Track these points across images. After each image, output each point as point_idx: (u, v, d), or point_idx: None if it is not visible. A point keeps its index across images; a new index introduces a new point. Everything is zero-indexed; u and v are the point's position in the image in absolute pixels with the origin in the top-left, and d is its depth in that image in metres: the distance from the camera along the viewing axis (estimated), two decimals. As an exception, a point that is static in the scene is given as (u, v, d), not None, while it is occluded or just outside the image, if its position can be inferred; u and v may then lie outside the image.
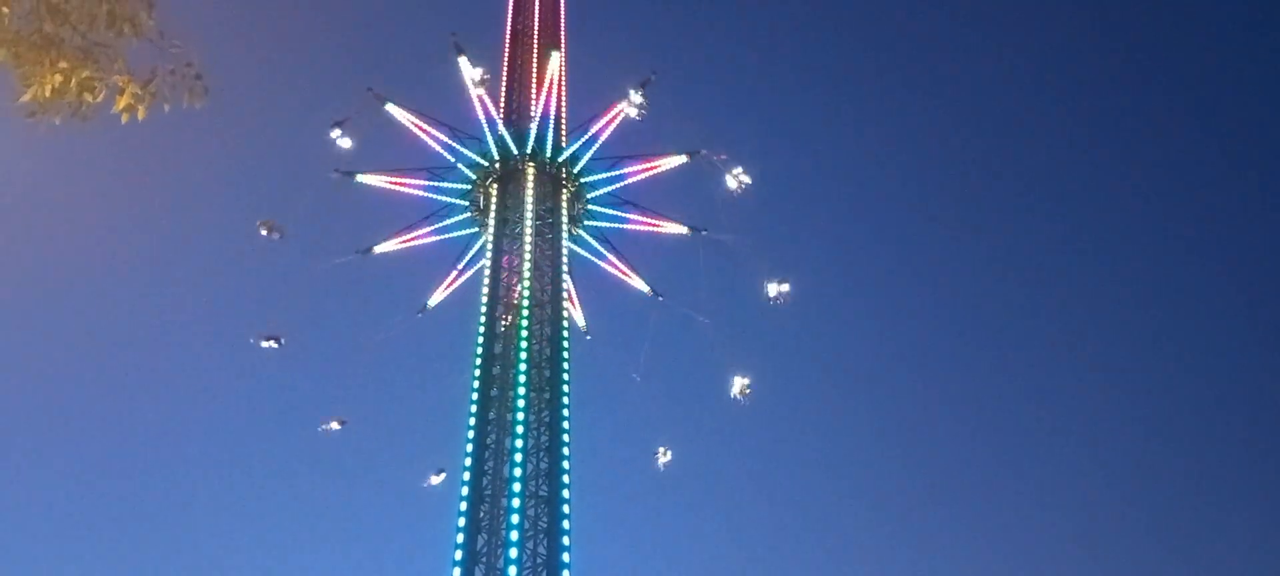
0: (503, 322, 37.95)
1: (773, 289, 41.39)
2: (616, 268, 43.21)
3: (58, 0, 10.61)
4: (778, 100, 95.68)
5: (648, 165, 42.73)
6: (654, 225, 43.26)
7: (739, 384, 40.89)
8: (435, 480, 40.54)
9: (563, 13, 45.25)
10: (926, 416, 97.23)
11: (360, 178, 43.21)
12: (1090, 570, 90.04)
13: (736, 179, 41.27)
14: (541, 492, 34.27)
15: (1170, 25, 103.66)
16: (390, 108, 42.39)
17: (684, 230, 43.23)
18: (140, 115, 10.95)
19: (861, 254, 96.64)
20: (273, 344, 41.12)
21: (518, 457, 34.28)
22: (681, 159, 42.52)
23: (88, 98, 10.74)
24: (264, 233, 40.91)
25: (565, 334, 38.11)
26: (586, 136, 42.02)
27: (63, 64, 10.61)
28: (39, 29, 10.60)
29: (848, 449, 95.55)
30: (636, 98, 40.55)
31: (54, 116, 10.74)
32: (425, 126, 42.64)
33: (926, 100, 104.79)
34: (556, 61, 42.74)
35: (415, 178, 43.09)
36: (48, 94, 10.57)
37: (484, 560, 33.14)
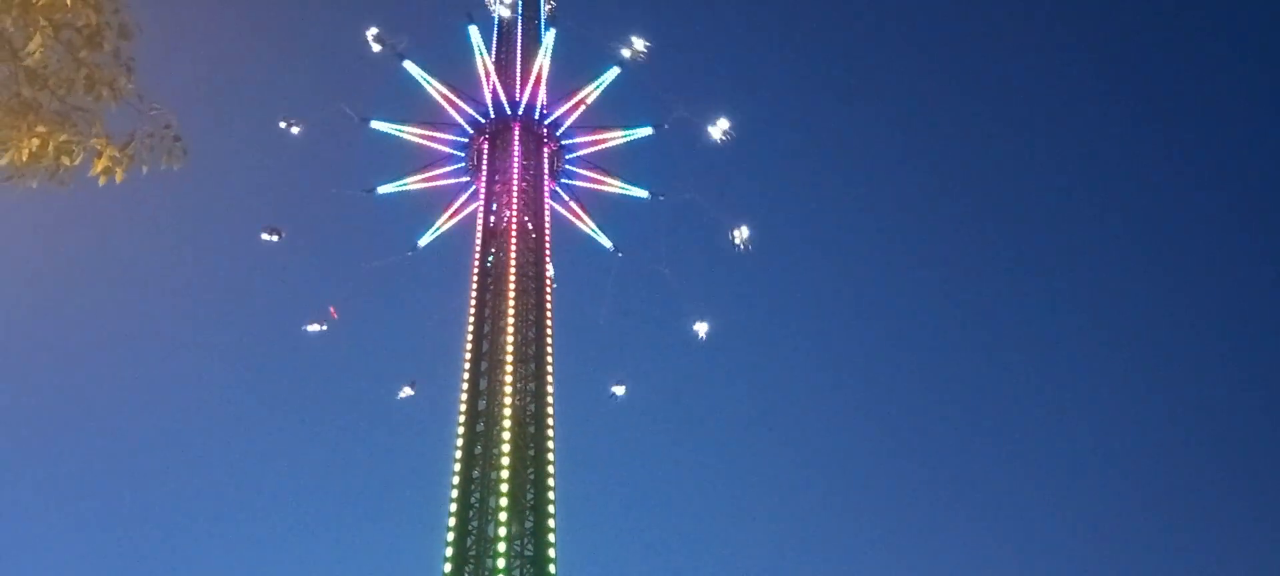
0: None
1: (736, 235, 39.86)
2: (586, 224, 41.90)
3: (36, 65, 9.07)
4: (749, 74, 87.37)
5: (618, 134, 41.76)
6: (621, 188, 42.05)
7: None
8: (406, 392, 38.61)
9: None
10: (885, 359, 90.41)
11: (374, 123, 42.09)
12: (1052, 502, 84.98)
13: (720, 131, 39.90)
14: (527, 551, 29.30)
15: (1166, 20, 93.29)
16: (407, 64, 40.97)
17: (644, 194, 42.07)
18: (118, 178, 9.49)
19: (821, 210, 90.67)
20: (274, 237, 39.35)
21: (501, 531, 29.01)
22: (648, 130, 41.68)
23: (65, 161, 9.27)
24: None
25: (549, 387, 32.84)
26: (567, 105, 40.88)
27: (40, 128, 9.12)
28: (16, 94, 9.13)
29: (812, 394, 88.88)
30: (638, 44, 39.94)
31: (31, 181, 9.24)
32: (434, 84, 41.27)
33: (888, 64, 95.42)
34: (550, 38, 41.57)
35: (420, 129, 41.81)
36: (25, 158, 9.06)
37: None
